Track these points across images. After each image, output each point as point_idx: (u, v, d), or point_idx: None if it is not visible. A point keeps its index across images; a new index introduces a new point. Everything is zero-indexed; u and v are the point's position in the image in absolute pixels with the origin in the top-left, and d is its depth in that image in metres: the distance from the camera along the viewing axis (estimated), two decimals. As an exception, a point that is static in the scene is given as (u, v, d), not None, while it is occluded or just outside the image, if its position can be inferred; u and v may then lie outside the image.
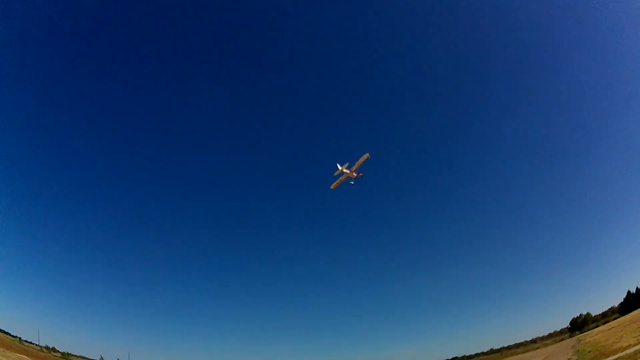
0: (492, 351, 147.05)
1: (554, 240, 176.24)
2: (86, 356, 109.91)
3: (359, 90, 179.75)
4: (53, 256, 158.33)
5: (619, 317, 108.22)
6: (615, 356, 48.95)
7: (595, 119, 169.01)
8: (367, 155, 58.79)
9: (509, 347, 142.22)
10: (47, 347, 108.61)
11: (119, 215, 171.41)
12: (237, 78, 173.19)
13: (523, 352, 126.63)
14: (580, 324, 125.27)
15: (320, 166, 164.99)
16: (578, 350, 72.40)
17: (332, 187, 63.33)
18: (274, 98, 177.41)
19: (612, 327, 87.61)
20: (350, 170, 60.31)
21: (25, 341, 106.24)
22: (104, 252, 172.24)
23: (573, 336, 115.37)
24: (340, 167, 59.85)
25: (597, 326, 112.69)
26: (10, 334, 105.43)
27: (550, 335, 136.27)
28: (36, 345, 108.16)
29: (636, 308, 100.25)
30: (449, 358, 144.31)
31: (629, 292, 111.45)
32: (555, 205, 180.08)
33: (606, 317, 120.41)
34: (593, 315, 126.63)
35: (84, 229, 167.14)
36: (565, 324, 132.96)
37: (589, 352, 63.25)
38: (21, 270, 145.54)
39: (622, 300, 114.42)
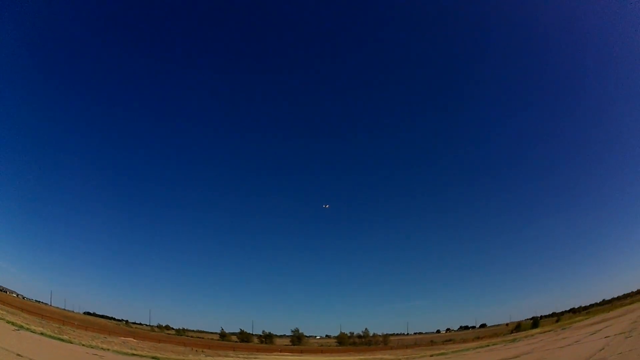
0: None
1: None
2: (204, 329, 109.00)
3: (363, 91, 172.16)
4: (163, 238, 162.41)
5: None
6: None
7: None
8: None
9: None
10: (159, 326, 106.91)
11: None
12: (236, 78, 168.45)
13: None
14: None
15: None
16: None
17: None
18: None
19: None
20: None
21: (134, 323, 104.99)
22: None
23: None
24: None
25: None
26: (114, 319, 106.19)
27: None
28: (146, 325, 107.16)
29: None
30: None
31: None
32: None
33: None
34: None
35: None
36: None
37: None
38: (129, 256, 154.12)
39: None
